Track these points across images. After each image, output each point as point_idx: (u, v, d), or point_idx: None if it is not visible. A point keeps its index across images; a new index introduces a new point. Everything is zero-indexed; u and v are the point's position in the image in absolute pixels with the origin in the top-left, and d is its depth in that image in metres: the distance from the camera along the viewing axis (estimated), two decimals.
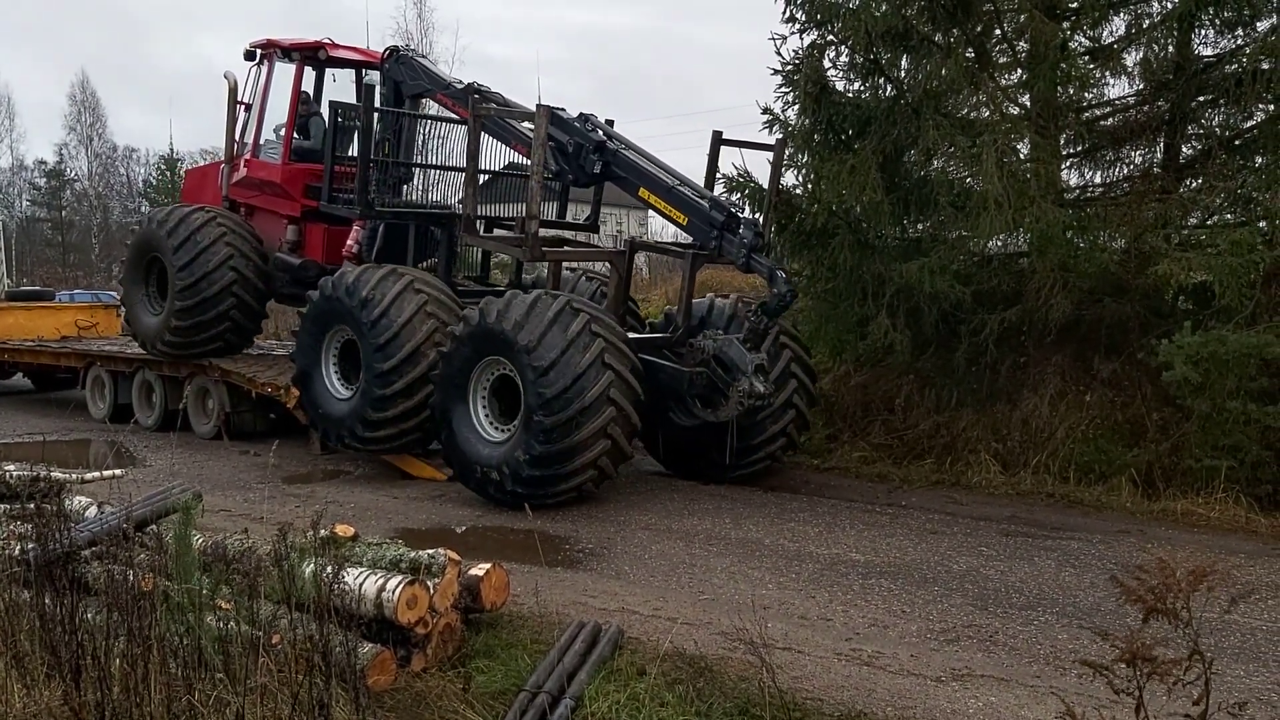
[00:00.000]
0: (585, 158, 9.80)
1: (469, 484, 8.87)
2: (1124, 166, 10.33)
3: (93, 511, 6.49)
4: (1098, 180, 10.55)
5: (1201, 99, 9.63)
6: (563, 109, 9.91)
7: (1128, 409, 9.41)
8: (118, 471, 8.99)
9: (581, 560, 7.14)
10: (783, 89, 10.74)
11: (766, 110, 11.04)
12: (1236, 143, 9.54)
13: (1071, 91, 9.81)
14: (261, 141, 12.74)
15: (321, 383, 10.14)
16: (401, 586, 5.08)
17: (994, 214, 9.08)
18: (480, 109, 9.83)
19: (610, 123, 10.26)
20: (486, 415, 8.90)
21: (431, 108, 11.73)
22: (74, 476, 8.25)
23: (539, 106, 9.32)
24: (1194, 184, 9.78)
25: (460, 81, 11.11)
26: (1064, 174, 10.36)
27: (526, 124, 10.04)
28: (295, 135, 12.38)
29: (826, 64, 10.59)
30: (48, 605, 4.70)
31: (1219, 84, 9.29)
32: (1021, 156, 9.79)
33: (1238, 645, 5.50)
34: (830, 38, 10.45)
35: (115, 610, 4.53)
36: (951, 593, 6.39)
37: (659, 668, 4.94)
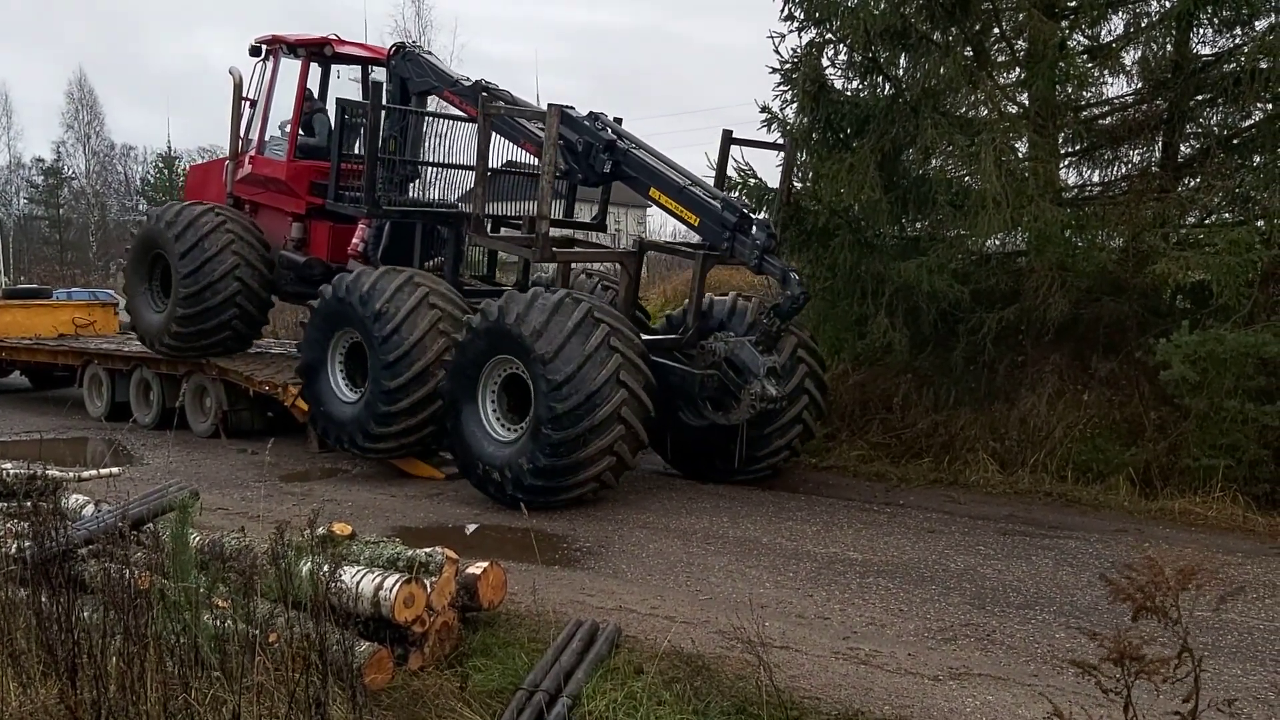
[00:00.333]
0: (595, 157, 9.68)
1: (470, 478, 8.82)
2: (1122, 165, 10.33)
3: (89, 510, 6.49)
4: (1096, 179, 10.56)
5: (1200, 98, 9.63)
6: (572, 107, 9.79)
7: (1125, 408, 9.42)
8: (115, 470, 8.99)
9: (579, 559, 7.13)
10: (781, 87, 10.74)
11: (765, 109, 11.05)
12: (1235, 142, 9.53)
13: (1070, 90, 9.81)
14: (267, 138, 12.64)
15: (327, 382, 10.03)
16: (399, 585, 5.08)
17: (992, 213, 9.07)
18: (490, 108, 9.74)
19: (619, 121, 10.15)
20: (494, 412, 8.80)
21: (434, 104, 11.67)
22: (71, 475, 8.25)
23: (550, 106, 9.19)
24: (1192, 183, 9.78)
25: (468, 79, 11.02)
26: (1062, 173, 10.36)
27: (536, 123, 9.96)
28: (300, 132, 12.30)
29: (825, 62, 10.59)
30: (44, 604, 4.69)
31: (1217, 83, 9.29)
32: (1020, 155, 9.79)
33: (1234, 644, 5.50)
34: (829, 36, 10.45)
35: (112, 608, 4.52)
36: (949, 591, 6.39)
37: (656, 666, 4.94)
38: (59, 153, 54.34)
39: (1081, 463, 9.25)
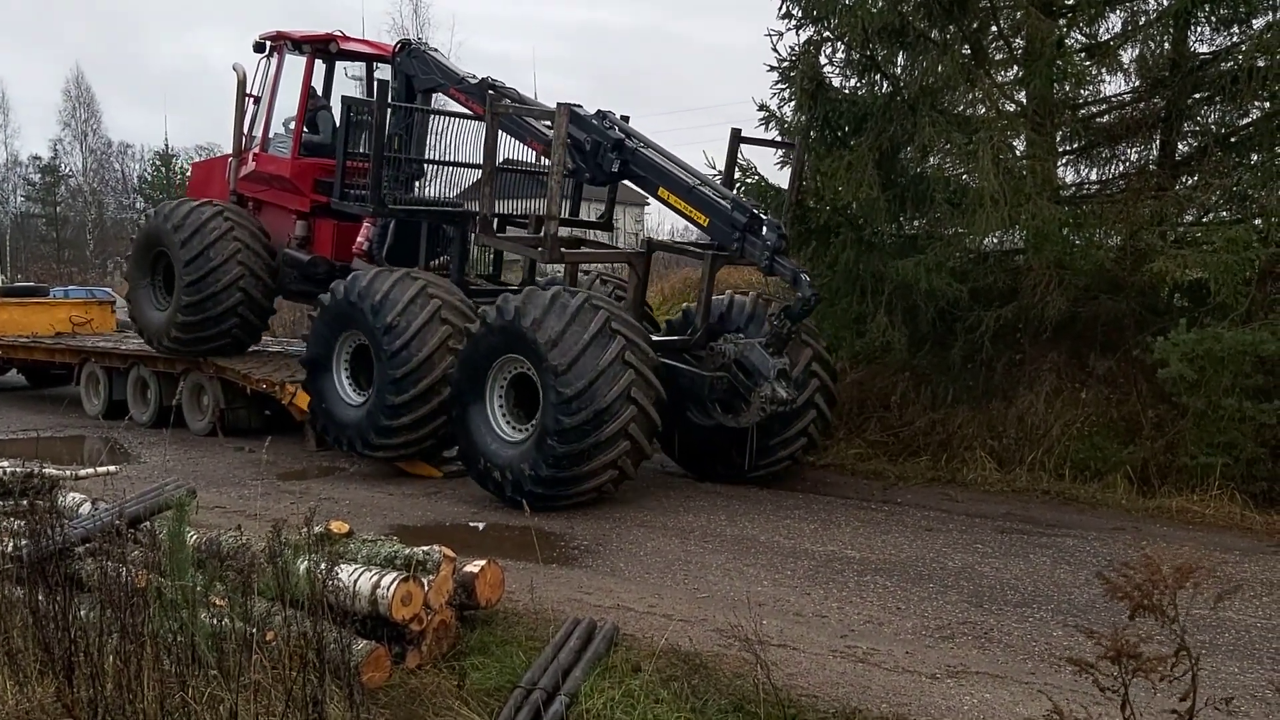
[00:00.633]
0: (603, 156, 9.56)
1: (472, 473, 8.77)
2: (1120, 163, 10.33)
3: (86, 508, 6.48)
4: (1093, 177, 10.57)
5: (1197, 96, 9.63)
6: (580, 106, 9.66)
7: (1123, 406, 9.42)
8: (112, 468, 8.98)
9: (577, 557, 7.13)
10: (779, 85, 10.74)
11: (763, 107, 11.04)
12: (1232, 140, 9.53)
13: (1068, 88, 9.81)
14: (271, 135, 12.54)
15: (331, 383, 9.92)
16: (396, 583, 5.07)
17: (990, 211, 9.07)
18: (499, 106, 9.65)
19: (625, 119, 10.03)
20: (501, 409, 8.71)
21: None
22: (68, 473, 8.24)
23: (560, 105, 9.08)
24: (1190, 181, 9.78)
25: (474, 76, 10.91)
26: (1060, 171, 10.36)
27: (543, 121, 9.87)
28: (304, 129, 12.19)
29: (823, 60, 10.59)
30: (41, 602, 4.69)
31: (1215, 81, 9.29)
32: (1017, 153, 9.79)
33: (1232, 642, 5.51)
34: (827, 34, 10.45)
35: (109, 607, 4.51)
36: (947, 590, 6.39)
37: (654, 664, 4.94)
38: (56, 151, 54.34)
39: (1079, 461, 9.25)
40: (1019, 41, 10.17)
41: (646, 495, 8.96)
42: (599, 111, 9.78)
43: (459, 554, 5.56)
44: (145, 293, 12.58)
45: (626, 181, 10.17)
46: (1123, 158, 10.29)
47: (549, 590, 6.07)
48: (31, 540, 5.20)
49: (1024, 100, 10.16)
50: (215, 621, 4.60)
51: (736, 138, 10.47)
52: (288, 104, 12.38)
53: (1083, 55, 9.78)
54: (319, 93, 12.69)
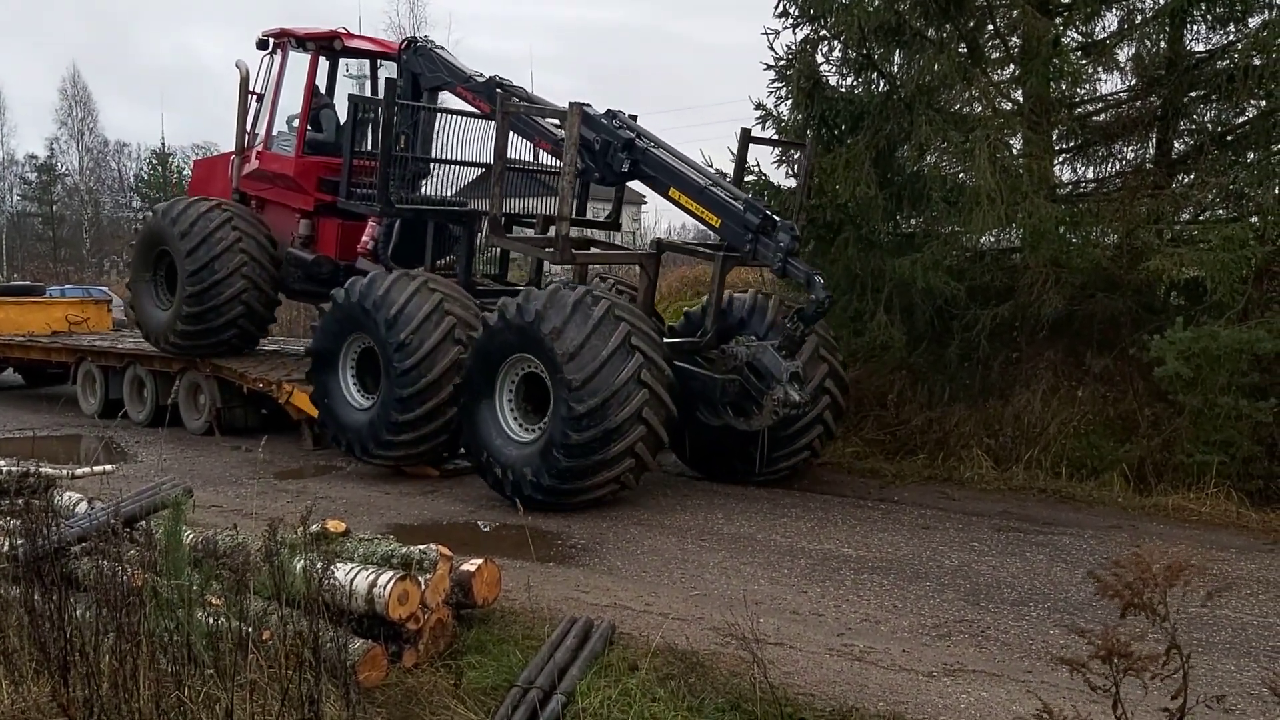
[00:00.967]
0: (613, 156, 9.42)
1: (485, 476, 8.67)
2: (1116, 162, 10.34)
3: (82, 507, 6.47)
4: (1090, 176, 10.57)
5: (1194, 94, 9.64)
6: (589, 104, 9.47)
7: (1119, 404, 9.43)
8: (108, 467, 8.98)
9: (573, 555, 7.13)
10: (776, 84, 10.73)
11: (760, 106, 11.02)
12: (1228, 138, 9.54)
13: (1064, 87, 9.81)
14: (274, 133, 12.43)
15: (337, 384, 9.78)
16: (393, 582, 5.07)
17: (986, 209, 9.07)
18: (509, 106, 9.56)
19: (634, 118, 9.88)
20: (511, 409, 8.62)
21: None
22: (64, 472, 8.23)
23: (572, 105, 8.96)
24: (1186, 180, 9.79)
25: (481, 74, 10.79)
26: (1056, 169, 10.36)
27: (550, 120, 9.77)
28: (308, 128, 12.08)
29: (819, 59, 10.58)
30: (36, 601, 4.68)
31: (1211, 79, 9.30)
32: (1014, 152, 9.79)
33: (1228, 640, 5.51)
34: (823, 32, 10.45)
35: (104, 606, 4.51)
36: (943, 588, 6.40)
37: (651, 663, 4.94)
38: (52, 149, 54.25)
39: (1076, 459, 9.26)
40: (1015, 40, 10.18)
41: (644, 494, 8.95)
42: (608, 111, 9.64)
43: (456, 553, 5.55)
44: (147, 292, 12.48)
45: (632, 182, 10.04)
46: (1119, 156, 10.30)
47: (546, 589, 6.07)
48: (27, 539, 5.19)
49: (1020, 99, 10.17)
50: (211, 621, 4.60)
51: (746, 137, 10.36)
52: (291, 101, 12.31)
53: (1079, 54, 9.79)
54: (322, 90, 12.59)
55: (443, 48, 11.55)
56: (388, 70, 12.39)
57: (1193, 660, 3.39)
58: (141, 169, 55.33)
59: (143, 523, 5.79)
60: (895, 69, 10.52)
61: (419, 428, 9.16)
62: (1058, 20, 9.77)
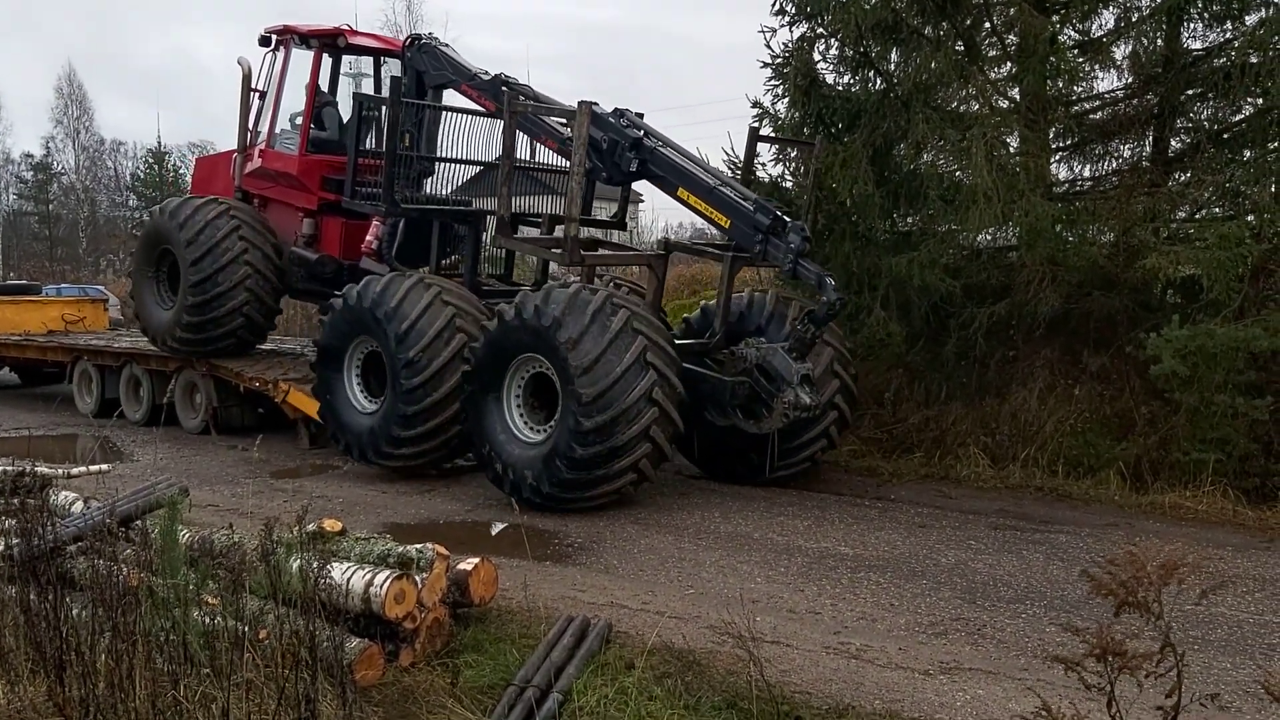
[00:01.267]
0: (621, 155, 9.29)
1: (489, 475, 8.59)
2: (1113, 160, 10.34)
3: (78, 507, 6.46)
4: (1087, 174, 10.58)
5: (1190, 93, 9.64)
6: (596, 103, 9.36)
7: (1116, 402, 9.44)
8: (104, 466, 8.96)
9: (570, 554, 7.13)
10: (773, 82, 10.73)
11: (756, 104, 11.02)
12: (1225, 136, 9.54)
13: (1061, 85, 9.81)
14: (277, 131, 12.30)
15: (342, 386, 9.66)
16: (389, 581, 5.07)
17: (983, 207, 9.08)
18: (517, 105, 9.48)
19: (640, 115, 9.75)
20: (519, 409, 8.53)
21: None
22: (60, 471, 8.22)
23: (581, 104, 8.87)
24: (1182, 178, 9.80)
25: (486, 72, 10.69)
26: (1053, 168, 10.36)
27: (556, 118, 9.71)
28: (311, 126, 11.98)
29: (816, 57, 10.58)
30: (32, 601, 4.68)
31: (1208, 78, 9.31)
32: (1010, 150, 9.80)
33: (1224, 637, 5.52)
34: (820, 30, 10.44)
35: (100, 606, 4.51)
36: (940, 586, 6.40)
37: (647, 661, 4.94)
38: (48, 148, 54.06)
39: (1072, 457, 9.27)
40: (1012, 38, 10.18)
41: (641, 493, 8.92)
42: (616, 109, 9.54)
43: (452, 551, 5.55)
44: (150, 292, 12.36)
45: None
46: (1116, 154, 10.31)
47: (542, 588, 6.06)
48: (23, 539, 5.19)
49: (1017, 97, 10.16)
50: (207, 620, 4.60)
51: (754, 136, 10.29)
52: (293, 99, 12.21)
53: (1076, 52, 9.80)
54: (325, 88, 12.48)
55: (447, 45, 11.43)
56: (390, 68, 12.33)
57: (1188, 658, 3.39)
58: (138, 168, 55.26)
59: (139, 522, 5.77)
60: (892, 67, 10.52)
61: (420, 443, 9.15)
62: (1055, 18, 9.77)
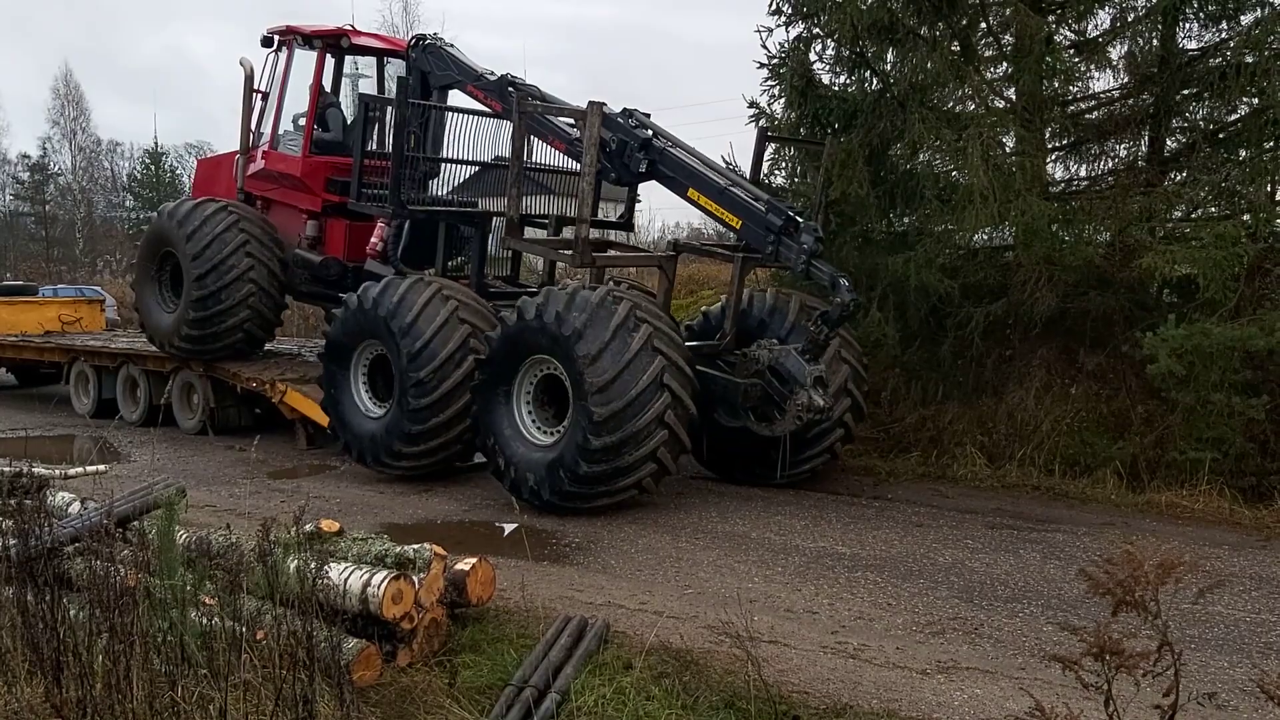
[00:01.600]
0: (630, 155, 9.23)
1: (501, 479, 8.55)
2: (1109, 160, 10.36)
3: (75, 507, 6.45)
4: (1083, 173, 10.59)
5: (1186, 92, 9.65)
6: (604, 103, 9.26)
7: (1112, 402, 9.46)
8: (101, 467, 8.96)
9: (568, 554, 7.13)
10: (769, 82, 10.74)
11: (753, 104, 11.03)
12: (1220, 136, 9.56)
13: (1057, 85, 9.83)
14: (280, 132, 12.22)
15: (348, 389, 9.62)
16: (387, 581, 5.06)
17: (979, 207, 9.09)
18: (526, 105, 9.43)
19: (648, 116, 9.68)
20: (529, 412, 8.51)
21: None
22: (57, 472, 8.21)
23: (591, 104, 8.81)
24: (1178, 177, 9.81)
25: (492, 72, 10.61)
26: (1049, 167, 10.37)
27: (562, 119, 9.66)
28: (314, 127, 11.90)
29: (812, 57, 10.60)
30: (29, 602, 4.67)
31: (1203, 77, 9.32)
32: (1007, 150, 9.80)
33: (1221, 636, 5.53)
34: (816, 30, 10.45)
35: (98, 606, 4.51)
36: (937, 585, 6.41)
37: (645, 661, 4.94)
38: (45, 149, 53.90)
39: (1069, 456, 9.28)
40: (1008, 38, 10.18)
41: None
42: (625, 110, 9.48)
43: (450, 552, 5.55)
44: (152, 295, 12.29)
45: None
46: (1112, 154, 10.32)
47: (540, 588, 6.07)
48: (20, 540, 5.17)
49: (1013, 97, 10.17)
50: (205, 621, 4.59)
51: (764, 136, 10.23)
52: (296, 100, 12.14)
53: (1072, 52, 9.81)
54: (328, 89, 12.40)
55: (452, 45, 11.33)
56: (394, 68, 12.27)
57: (1185, 657, 3.40)
58: (135, 168, 55.15)
59: (136, 523, 5.77)
60: (888, 67, 10.53)
61: (421, 457, 9.15)
62: (1050, 18, 9.79)
